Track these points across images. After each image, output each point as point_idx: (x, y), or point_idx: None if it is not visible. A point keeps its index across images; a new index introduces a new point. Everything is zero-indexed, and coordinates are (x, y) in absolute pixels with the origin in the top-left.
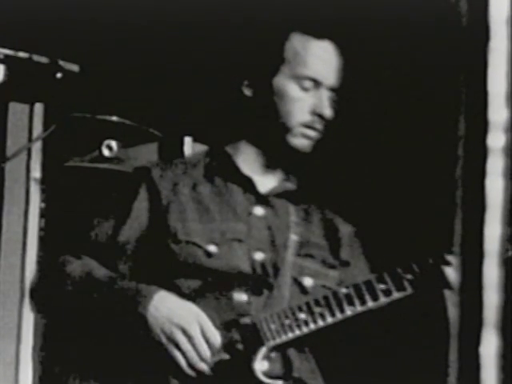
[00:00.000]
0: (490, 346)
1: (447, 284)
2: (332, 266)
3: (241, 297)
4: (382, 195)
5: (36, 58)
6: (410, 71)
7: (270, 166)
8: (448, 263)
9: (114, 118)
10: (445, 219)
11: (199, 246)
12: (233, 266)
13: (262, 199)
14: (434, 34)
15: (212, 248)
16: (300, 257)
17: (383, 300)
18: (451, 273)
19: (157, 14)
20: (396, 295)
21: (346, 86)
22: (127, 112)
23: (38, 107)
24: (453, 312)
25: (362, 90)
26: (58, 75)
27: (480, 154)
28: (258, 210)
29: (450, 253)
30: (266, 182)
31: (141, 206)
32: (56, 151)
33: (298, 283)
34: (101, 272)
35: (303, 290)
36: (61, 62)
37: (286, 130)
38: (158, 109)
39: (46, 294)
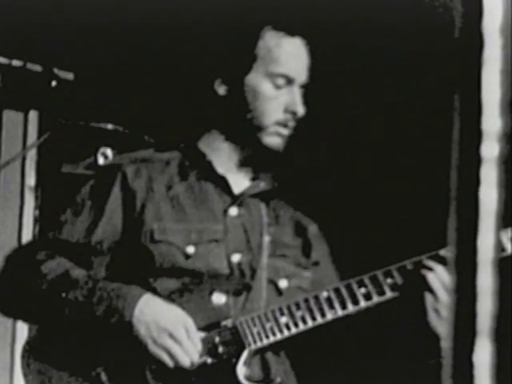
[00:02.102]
0: (483, 354)
1: (427, 288)
2: (304, 267)
3: (220, 298)
4: (364, 199)
5: (30, 66)
6: (403, 79)
7: (243, 164)
8: (429, 268)
9: (109, 126)
10: (431, 226)
11: (177, 247)
12: (211, 267)
13: (237, 199)
14: (428, 43)
15: (190, 249)
16: (274, 258)
17: (363, 304)
18: (431, 277)
19: (148, 20)
20: (376, 299)
21: (328, 84)
22: (122, 119)
23: (33, 115)
24: (433, 316)
25: (341, 89)
26: (53, 83)
27: (474, 163)
28: (233, 211)
29: (433, 258)
30: (240, 182)
31: (114, 205)
32: (51, 159)
33: (273, 284)
34: (78, 272)
35: (279, 291)
36: (55, 71)
37: (260, 128)
38: (152, 115)
39: (19, 293)
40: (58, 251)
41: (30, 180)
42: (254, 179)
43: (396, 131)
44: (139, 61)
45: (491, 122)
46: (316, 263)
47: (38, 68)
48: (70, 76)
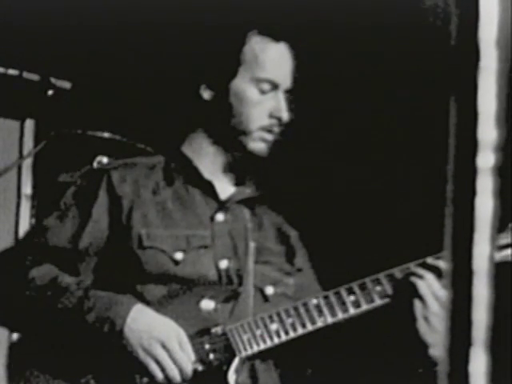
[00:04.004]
0: (479, 364)
1: (417, 296)
2: (288, 273)
3: (209, 305)
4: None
5: (27, 75)
6: (397, 87)
7: (228, 169)
8: (418, 275)
9: (106, 134)
10: (424, 235)
11: (165, 253)
12: (199, 273)
13: (223, 205)
14: (423, 52)
15: (178, 255)
16: (259, 264)
17: (353, 312)
18: (421, 285)
19: (142, 28)
20: (365, 307)
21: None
22: (119, 128)
23: (29, 124)
24: (422, 324)
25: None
26: (50, 92)
27: (470, 173)
28: (220, 216)
29: (421, 265)
30: (226, 187)
31: (100, 210)
32: (47, 167)
33: (260, 291)
34: (67, 279)
35: (265, 298)
36: (52, 80)
37: (245, 133)
38: (149, 124)
39: (4, 299)
40: (44, 256)
41: (27, 189)
42: (238, 184)
43: (389, 140)
44: (136, 69)
45: (487, 131)
46: (299, 270)
47: (34, 77)
48: (66, 85)
